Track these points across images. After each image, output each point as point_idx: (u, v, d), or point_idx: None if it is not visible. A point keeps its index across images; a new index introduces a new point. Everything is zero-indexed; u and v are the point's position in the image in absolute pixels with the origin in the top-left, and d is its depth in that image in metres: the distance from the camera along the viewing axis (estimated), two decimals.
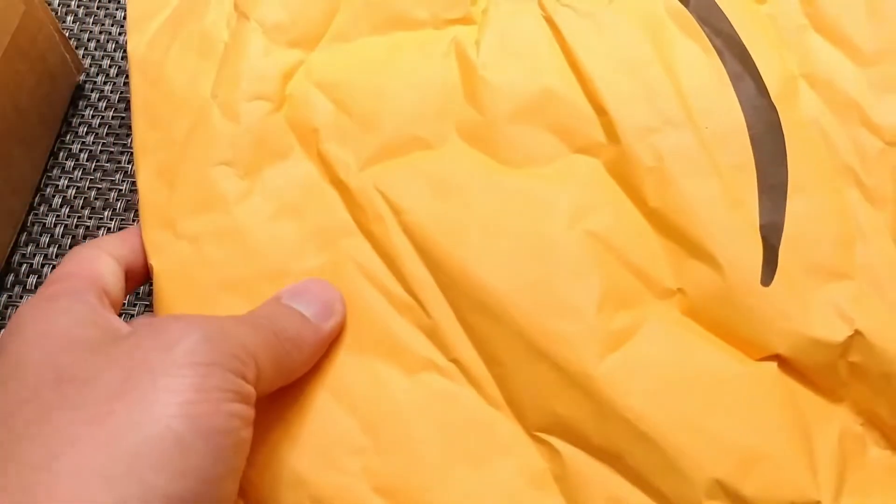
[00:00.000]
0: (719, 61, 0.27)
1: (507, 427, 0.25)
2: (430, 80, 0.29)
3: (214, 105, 0.30)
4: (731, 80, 0.27)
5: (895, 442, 0.25)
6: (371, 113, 0.29)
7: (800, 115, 0.27)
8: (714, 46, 0.27)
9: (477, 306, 0.26)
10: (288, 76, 0.31)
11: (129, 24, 0.34)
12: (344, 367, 0.26)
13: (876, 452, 0.25)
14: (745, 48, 0.27)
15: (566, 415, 0.25)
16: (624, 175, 0.27)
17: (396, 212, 0.27)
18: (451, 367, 0.26)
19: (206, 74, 0.31)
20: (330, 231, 0.28)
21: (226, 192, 0.29)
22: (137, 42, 0.33)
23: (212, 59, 0.31)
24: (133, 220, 0.35)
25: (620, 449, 0.24)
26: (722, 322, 0.25)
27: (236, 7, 0.32)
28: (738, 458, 0.23)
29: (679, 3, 0.28)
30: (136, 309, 0.33)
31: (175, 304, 0.28)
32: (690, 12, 0.28)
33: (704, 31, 0.28)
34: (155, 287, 0.29)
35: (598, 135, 0.27)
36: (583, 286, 0.25)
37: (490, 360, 0.26)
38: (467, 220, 0.27)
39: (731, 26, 0.27)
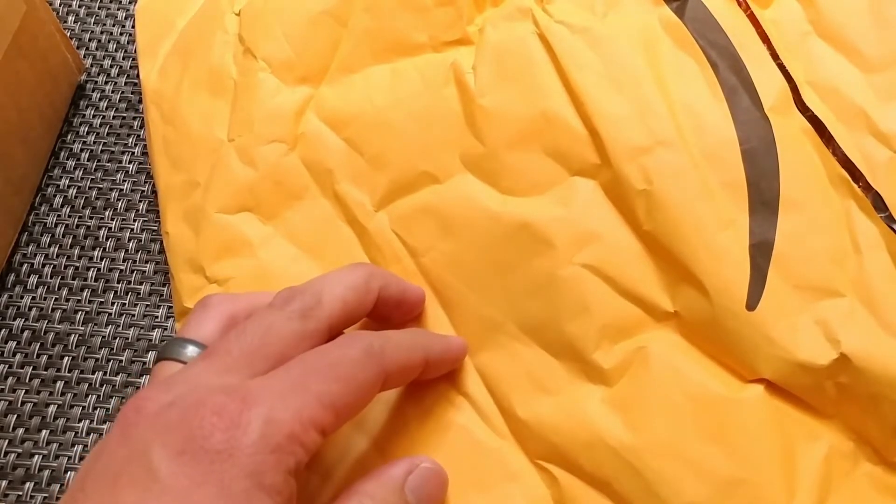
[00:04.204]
0: (713, 74, 0.27)
1: (513, 456, 0.26)
2: (432, 112, 0.30)
3: (231, 149, 0.31)
4: (725, 93, 0.27)
5: (886, 458, 0.25)
6: (380, 151, 0.30)
7: (794, 126, 0.27)
8: (709, 59, 0.27)
9: (487, 345, 0.27)
10: (299, 114, 0.32)
11: (139, 49, 0.35)
12: None
13: (867, 468, 0.25)
14: (741, 59, 0.27)
15: (561, 444, 0.26)
16: (619, 197, 0.27)
17: (413, 254, 0.29)
18: (463, 401, 0.27)
19: (219, 115, 0.32)
20: None
21: (250, 236, 0.31)
22: (149, 70, 0.35)
23: (224, 98, 0.32)
24: (133, 220, 0.35)
25: (608, 476, 0.25)
26: (713, 345, 0.25)
27: (241, 40, 0.33)
28: (715, 485, 0.24)
29: (674, 15, 0.28)
30: (137, 309, 0.33)
31: None
32: (685, 24, 0.28)
33: (699, 44, 0.27)
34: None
35: (593, 157, 0.27)
36: (581, 324, 0.26)
37: (497, 396, 0.27)
38: (476, 261, 0.28)
39: (727, 37, 0.27)
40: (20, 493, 0.30)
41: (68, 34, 0.39)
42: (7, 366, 0.32)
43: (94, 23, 0.41)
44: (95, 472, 0.20)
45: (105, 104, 0.38)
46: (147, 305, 0.33)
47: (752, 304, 0.25)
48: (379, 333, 0.24)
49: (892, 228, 0.25)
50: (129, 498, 0.19)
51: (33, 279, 0.34)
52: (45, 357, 0.32)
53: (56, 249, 0.35)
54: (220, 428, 0.20)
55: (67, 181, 0.36)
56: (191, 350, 0.24)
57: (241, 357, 0.22)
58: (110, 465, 0.20)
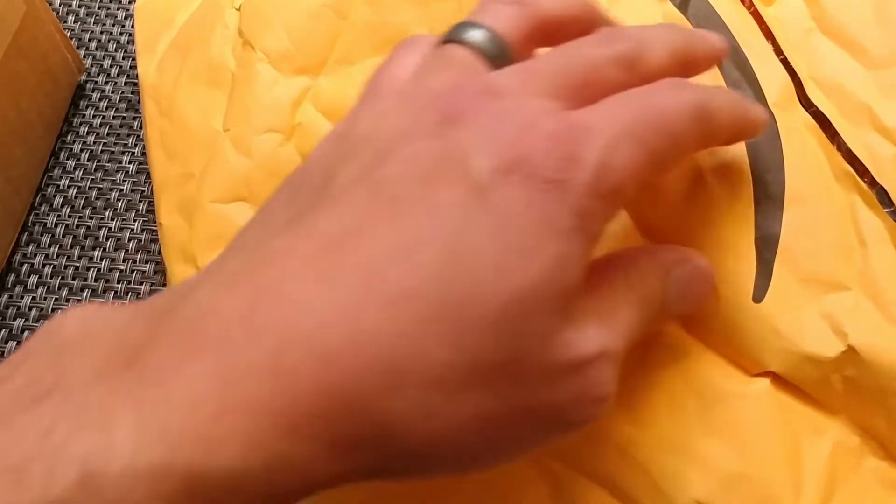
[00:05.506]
0: (717, 69, 0.27)
1: None
2: None
3: (227, 139, 0.31)
4: (728, 88, 0.26)
5: (892, 453, 0.25)
6: None
7: (798, 121, 0.27)
8: None
9: None
10: (296, 104, 0.31)
11: (137, 45, 0.35)
12: None
13: (873, 463, 0.24)
14: (744, 55, 0.27)
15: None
16: None
17: None
18: None
19: (216, 106, 0.32)
20: None
21: None
22: (147, 65, 0.35)
23: (221, 90, 0.32)
24: (133, 220, 0.35)
25: (611, 472, 0.24)
26: (717, 338, 0.25)
27: (241, 33, 0.33)
28: (720, 479, 0.23)
29: (677, 11, 0.28)
30: None
31: None
32: (689, 19, 0.28)
33: None
34: None
35: None
36: None
37: None
38: None
39: (730, 32, 0.27)
40: None
41: (68, 34, 0.39)
42: None
43: (94, 23, 0.41)
44: (400, 158, 0.17)
45: (105, 104, 0.38)
46: None
47: (758, 296, 0.24)
48: (705, 88, 0.20)
49: None
50: (444, 196, 0.17)
51: (33, 279, 0.34)
52: None
53: (56, 249, 0.35)
54: (556, 156, 0.17)
55: (67, 181, 0.36)
56: (486, 40, 0.20)
57: (562, 89, 0.19)
58: (419, 155, 0.17)
